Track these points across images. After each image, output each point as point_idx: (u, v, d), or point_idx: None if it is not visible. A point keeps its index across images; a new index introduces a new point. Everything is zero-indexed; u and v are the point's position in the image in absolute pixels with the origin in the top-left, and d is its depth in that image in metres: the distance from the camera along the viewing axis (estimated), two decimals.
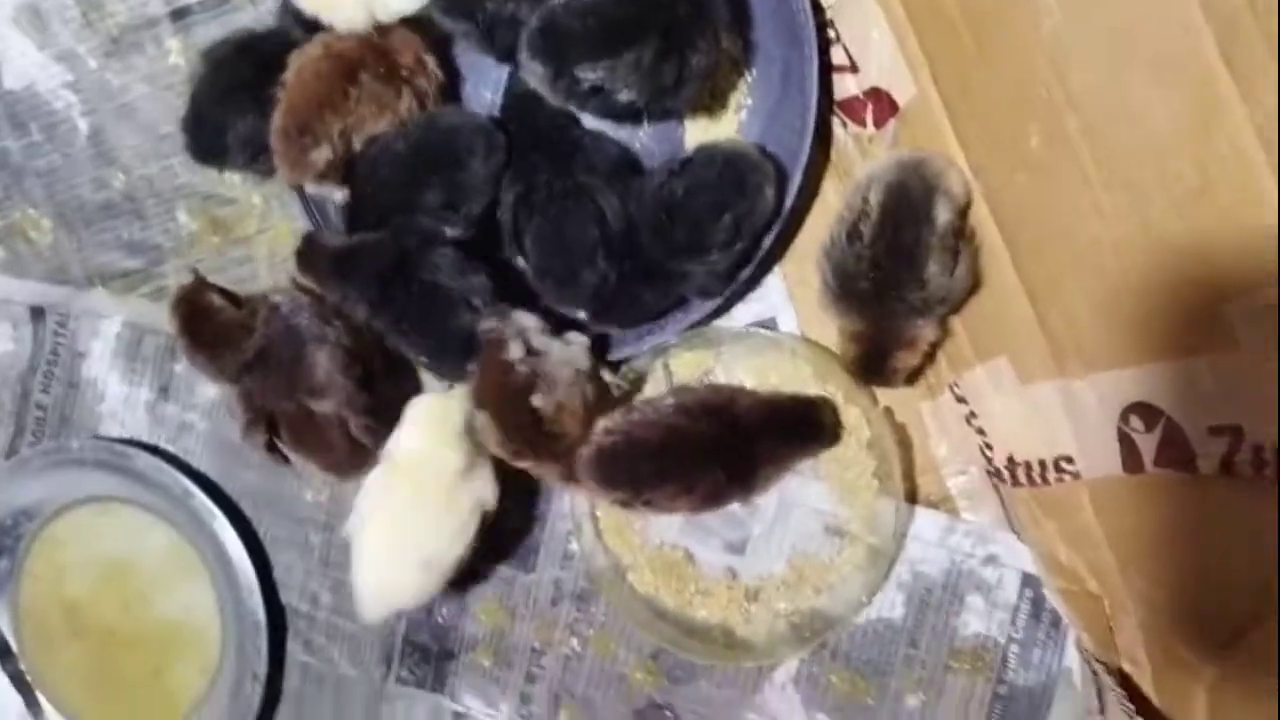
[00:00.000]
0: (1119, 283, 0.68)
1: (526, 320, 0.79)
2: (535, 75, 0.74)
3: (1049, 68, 0.67)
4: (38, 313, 1.02)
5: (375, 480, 0.83)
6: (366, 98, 0.80)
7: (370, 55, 0.81)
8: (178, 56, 0.95)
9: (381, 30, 0.83)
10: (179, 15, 0.95)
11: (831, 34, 0.85)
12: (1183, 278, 0.64)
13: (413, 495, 0.82)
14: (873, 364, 0.81)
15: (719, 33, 0.76)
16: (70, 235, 1.00)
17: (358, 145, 0.82)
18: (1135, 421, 0.71)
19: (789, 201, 0.83)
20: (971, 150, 0.76)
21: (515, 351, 0.77)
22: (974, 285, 0.78)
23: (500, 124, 0.84)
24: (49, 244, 1.01)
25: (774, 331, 0.90)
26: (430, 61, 0.83)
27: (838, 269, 0.78)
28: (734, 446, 0.78)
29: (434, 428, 0.81)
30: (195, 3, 0.94)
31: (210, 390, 0.99)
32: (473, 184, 0.81)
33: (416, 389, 0.93)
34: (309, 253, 0.85)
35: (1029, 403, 0.78)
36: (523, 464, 0.81)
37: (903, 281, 0.76)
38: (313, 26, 0.83)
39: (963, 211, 0.76)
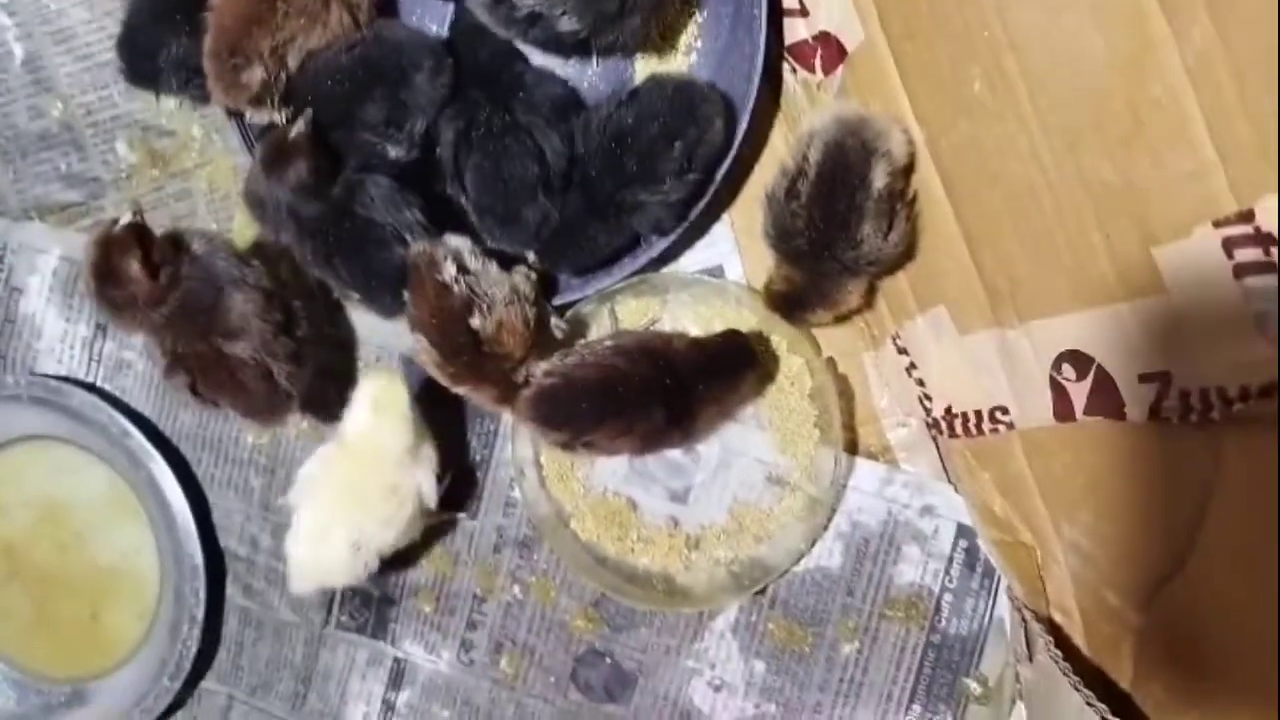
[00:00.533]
0: (1053, 228, 0.68)
1: (458, 241, 0.78)
2: (474, 1, 0.73)
3: (992, 7, 0.66)
4: None
5: (320, 455, 0.83)
6: (294, 11, 0.78)
7: None
8: None
9: None
10: None
11: None
12: (1113, 223, 0.64)
13: (353, 477, 0.82)
14: (790, 309, 0.81)
15: None
16: (6, 166, 0.98)
17: (292, 64, 0.80)
18: (1067, 370, 0.71)
19: (737, 143, 0.82)
20: (916, 98, 0.76)
21: (449, 271, 0.76)
22: (908, 250, 0.78)
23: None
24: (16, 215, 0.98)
25: (720, 279, 0.90)
26: None
27: (776, 223, 0.77)
28: (671, 388, 0.78)
29: (382, 410, 0.81)
30: None
31: None
32: (417, 102, 0.80)
33: (342, 333, 0.93)
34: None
35: (966, 353, 0.79)
36: (461, 388, 0.80)
37: (836, 241, 0.76)
38: None
39: (902, 173, 0.76)
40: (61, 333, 0.99)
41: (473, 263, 0.78)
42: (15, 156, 0.97)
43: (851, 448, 0.88)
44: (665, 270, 0.90)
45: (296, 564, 0.84)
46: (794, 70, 0.86)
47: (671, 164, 0.78)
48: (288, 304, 0.83)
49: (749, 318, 0.88)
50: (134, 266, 0.76)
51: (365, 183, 0.78)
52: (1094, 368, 0.69)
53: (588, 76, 0.88)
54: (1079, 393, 0.71)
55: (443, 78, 0.80)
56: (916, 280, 0.81)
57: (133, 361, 0.98)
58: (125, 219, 0.77)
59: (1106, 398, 0.69)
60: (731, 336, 0.83)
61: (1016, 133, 0.68)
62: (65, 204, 0.98)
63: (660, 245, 0.85)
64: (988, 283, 0.75)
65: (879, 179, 0.75)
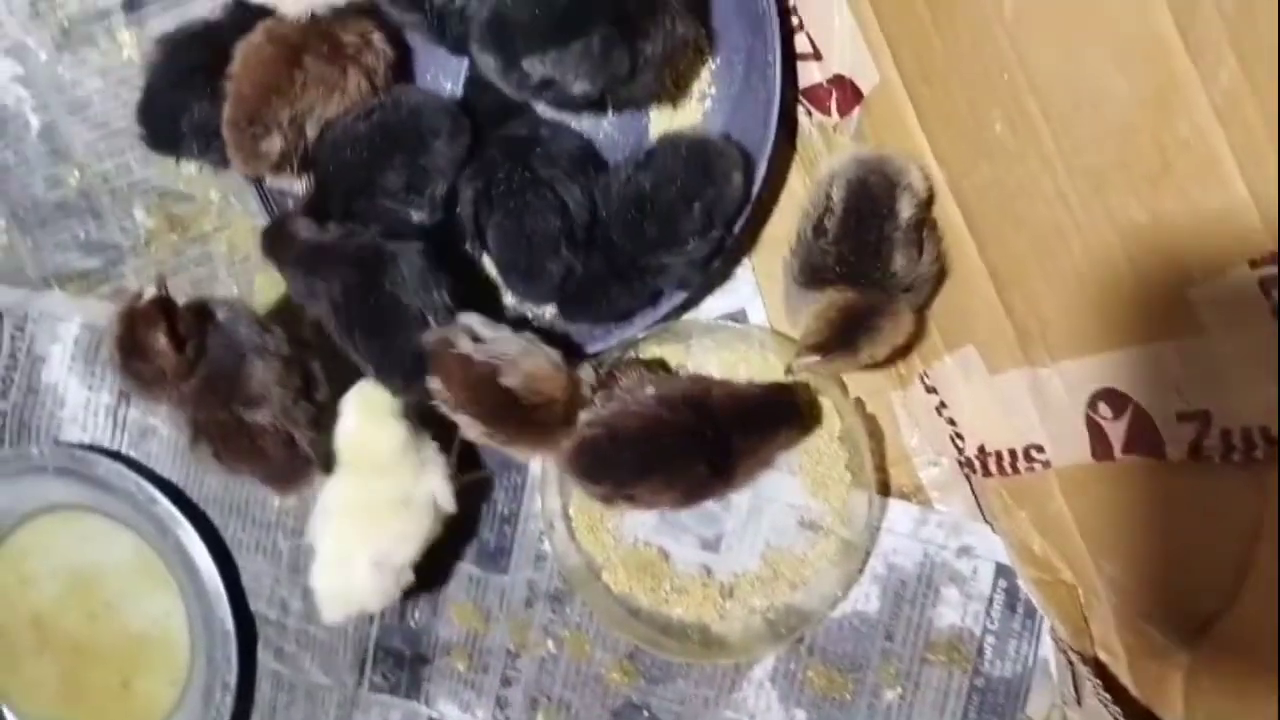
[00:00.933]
0: (1082, 269, 0.67)
1: (469, 317, 0.78)
2: (486, 68, 0.73)
3: (1011, 51, 0.66)
4: None
5: (327, 485, 0.83)
6: (313, 80, 0.79)
7: (313, 37, 0.80)
8: (131, 50, 0.93)
9: (329, 14, 0.81)
10: (132, 6, 0.93)
11: (794, 21, 0.83)
12: (1145, 262, 0.63)
13: (359, 494, 0.81)
14: (838, 341, 0.77)
15: (674, 18, 0.75)
16: (25, 235, 0.98)
17: (311, 132, 0.80)
18: (1103, 409, 0.70)
19: (756, 191, 0.82)
20: (935, 139, 0.75)
21: (465, 345, 0.76)
22: (941, 271, 0.77)
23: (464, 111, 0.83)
24: (3, 245, 0.99)
25: (744, 324, 0.89)
26: (377, 38, 0.82)
27: (805, 265, 0.77)
28: (714, 439, 0.77)
29: (366, 410, 0.81)
30: None
31: None
32: (437, 165, 0.80)
33: None
34: (277, 238, 0.82)
35: (998, 392, 0.78)
36: (524, 449, 0.81)
37: (870, 275, 0.75)
38: (264, 13, 0.81)
39: (925, 205, 0.76)
40: (85, 400, 0.99)
41: (486, 331, 0.78)
42: (34, 226, 0.98)
43: (884, 489, 0.87)
44: (688, 317, 0.89)
45: (324, 596, 0.84)
46: (809, 113, 0.85)
47: (692, 224, 0.78)
48: (308, 367, 0.82)
49: (774, 362, 0.88)
50: (160, 340, 0.76)
51: (399, 259, 0.77)
52: (1131, 406, 0.68)
53: (603, 128, 0.87)
54: (1116, 431, 0.70)
55: (461, 139, 0.80)
56: (943, 319, 0.81)
57: (157, 428, 0.98)
58: (150, 292, 0.77)
59: (1145, 437, 0.68)
60: (774, 390, 0.82)
61: (1040, 174, 0.67)
62: (85, 271, 0.98)
63: (681, 296, 0.85)
64: (1017, 322, 0.74)
65: (905, 210, 0.74)
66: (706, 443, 0.77)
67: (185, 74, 0.81)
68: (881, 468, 0.87)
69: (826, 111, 0.83)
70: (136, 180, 0.96)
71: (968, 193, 0.75)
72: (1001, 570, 0.85)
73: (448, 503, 0.84)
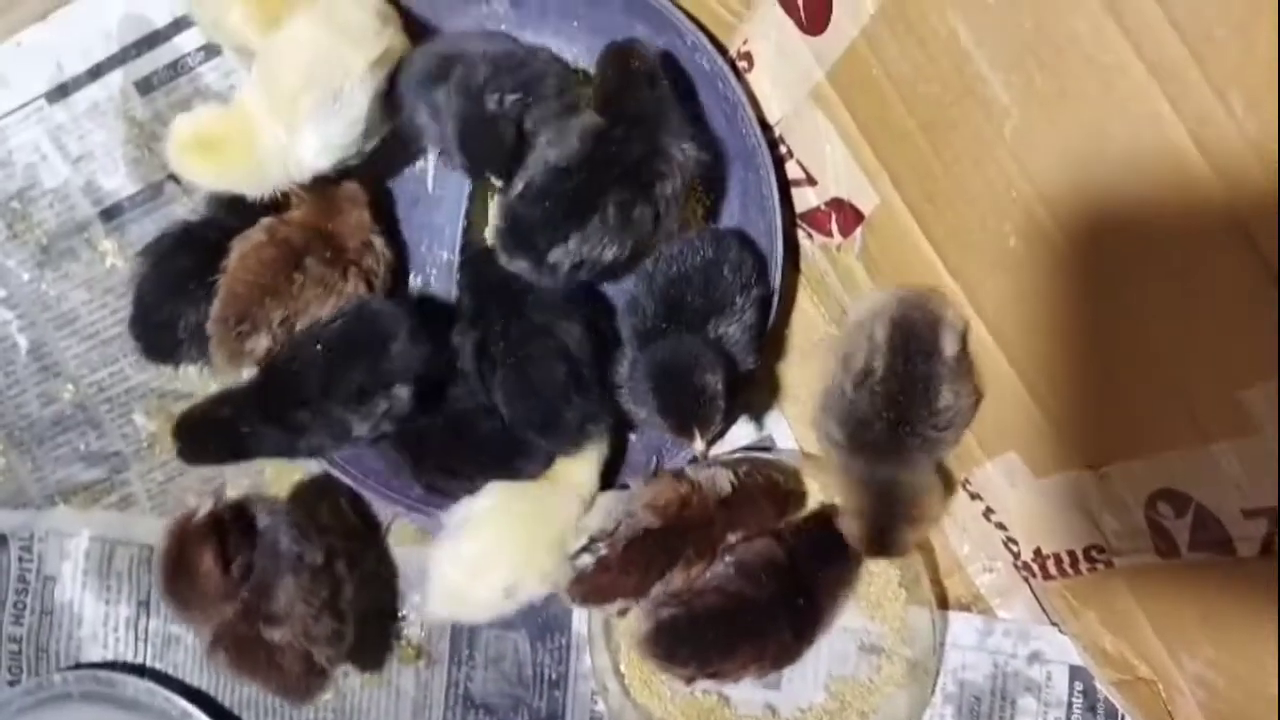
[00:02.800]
0: (1124, 376, 0.66)
1: (594, 532, 0.78)
2: (520, 271, 0.73)
3: (1016, 169, 0.65)
4: None
5: (500, 488, 0.81)
6: (311, 282, 0.78)
7: (316, 241, 0.78)
8: (114, 258, 0.92)
9: (327, 205, 0.80)
10: (110, 215, 0.91)
11: (784, 149, 0.83)
12: (1189, 366, 0.62)
13: (530, 520, 0.79)
14: (875, 542, 0.77)
15: (681, 145, 0.74)
16: (23, 456, 0.95)
17: (298, 330, 0.78)
18: (1163, 508, 0.68)
19: (771, 318, 0.81)
20: (946, 254, 0.74)
21: (601, 551, 0.77)
22: (978, 398, 0.76)
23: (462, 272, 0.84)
24: (1, 469, 0.96)
25: (773, 452, 0.87)
26: (378, 242, 0.81)
27: (848, 416, 0.74)
28: (799, 603, 0.75)
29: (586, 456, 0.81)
30: (125, 200, 0.91)
31: None
32: (393, 369, 0.77)
33: (385, 570, 0.91)
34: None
35: (1047, 496, 0.76)
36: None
37: (917, 416, 0.73)
38: (244, 210, 0.79)
39: (965, 339, 0.75)
40: (103, 616, 0.95)
41: (608, 523, 0.77)
42: (31, 445, 0.95)
43: (942, 602, 0.84)
44: (715, 451, 0.87)
45: (443, 586, 0.80)
46: (810, 236, 0.85)
47: (732, 283, 0.76)
48: (335, 573, 0.80)
49: (809, 485, 0.86)
50: (208, 561, 0.73)
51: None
52: (1193, 505, 0.66)
53: None
54: (1180, 530, 0.68)
55: (420, 346, 0.78)
56: (979, 428, 0.79)
57: (181, 636, 0.94)
58: (205, 508, 0.75)
59: (1212, 534, 0.66)
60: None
61: (1064, 283, 0.66)
62: (89, 483, 0.95)
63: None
64: (1058, 428, 0.72)
65: (949, 346, 0.73)
66: (792, 607, 0.74)
67: (174, 282, 0.79)
68: (936, 580, 0.85)
69: (828, 234, 0.83)
70: (133, 385, 0.93)
71: (987, 304, 0.74)
72: (1076, 673, 0.83)
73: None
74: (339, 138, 0.76)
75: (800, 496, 0.82)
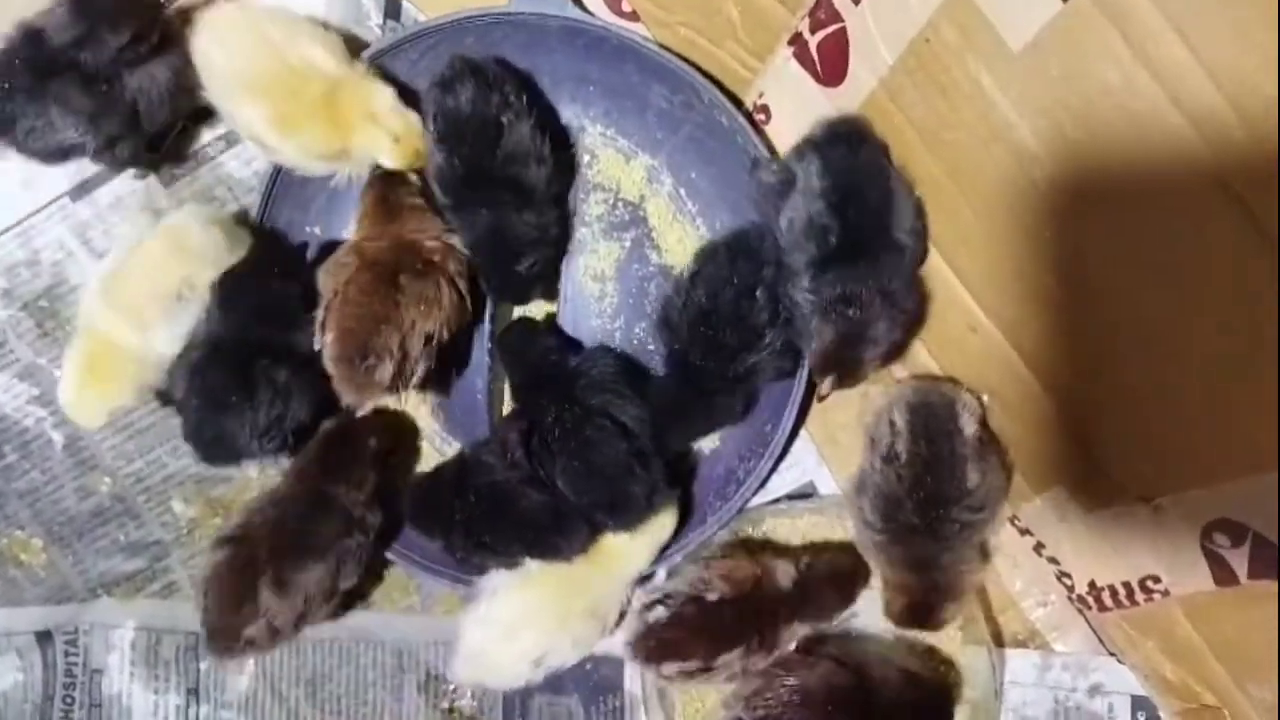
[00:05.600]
0: (1174, 408, 0.66)
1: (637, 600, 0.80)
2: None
3: (1050, 214, 0.66)
4: (44, 637, 0.96)
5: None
6: (412, 300, 0.77)
7: (404, 252, 0.78)
8: None
9: (387, 211, 0.80)
10: None
11: None
12: (1239, 396, 0.62)
13: (568, 586, 0.80)
14: (919, 618, 0.78)
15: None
16: (64, 550, 0.95)
17: (412, 350, 0.77)
18: (1220, 538, 0.68)
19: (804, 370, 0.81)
20: (982, 294, 0.74)
21: (656, 615, 0.78)
22: (1009, 480, 0.77)
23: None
24: (43, 564, 0.95)
25: (814, 498, 0.87)
26: (455, 240, 0.80)
27: (878, 498, 0.75)
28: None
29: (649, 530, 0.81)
30: None
31: (243, 682, 0.93)
32: None
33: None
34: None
35: (1100, 529, 0.76)
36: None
37: (948, 496, 0.74)
38: (260, 318, 0.80)
39: (984, 421, 0.76)
40: (152, 706, 0.94)
41: (682, 585, 0.78)
42: (72, 539, 0.94)
43: (998, 640, 0.84)
44: (758, 501, 0.87)
45: (471, 648, 0.80)
46: None
47: (763, 314, 0.76)
48: None
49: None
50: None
51: None
52: (1250, 535, 0.66)
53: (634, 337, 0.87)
54: (1238, 559, 0.68)
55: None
56: (1024, 466, 0.79)
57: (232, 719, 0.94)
58: None
59: (1271, 562, 0.65)
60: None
61: (1107, 321, 0.66)
62: (131, 573, 0.95)
63: (751, 487, 0.83)
64: (1106, 463, 0.72)
65: (968, 426, 0.75)
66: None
67: (215, 399, 0.79)
68: (991, 617, 0.84)
69: None
70: (171, 473, 0.93)
71: (1026, 342, 0.74)
72: (1139, 703, 0.82)
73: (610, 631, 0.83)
74: (186, 326, 0.81)
75: (867, 572, 0.81)
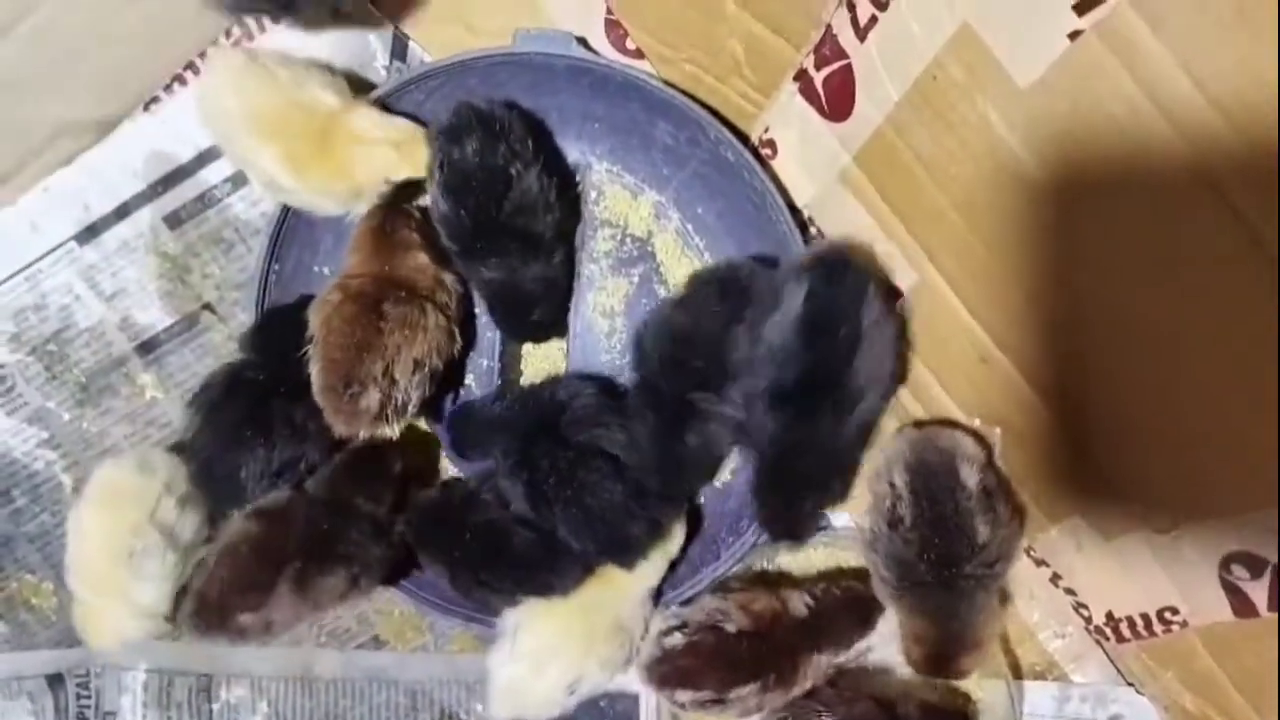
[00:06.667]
0: (1189, 444, 0.65)
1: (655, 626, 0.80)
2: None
3: (1063, 247, 0.66)
4: (55, 680, 0.95)
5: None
6: (397, 325, 0.77)
7: (388, 285, 0.78)
8: (154, 390, 0.92)
9: (382, 251, 0.80)
10: (147, 348, 0.92)
11: (814, 231, 0.84)
12: (1253, 435, 0.62)
13: (589, 605, 0.79)
14: (939, 667, 0.77)
15: None
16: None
17: (399, 377, 0.77)
18: (1238, 570, 0.67)
19: None
20: (993, 327, 0.74)
21: (672, 640, 0.78)
22: (1020, 520, 0.76)
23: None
24: (54, 607, 0.95)
25: (829, 530, 0.87)
26: (448, 278, 0.81)
27: (890, 559, 0.75)
28: None
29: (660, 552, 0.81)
30: (161, 332, 0.91)
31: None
32: None
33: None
34: None
35: (1116, 559, 0.75)
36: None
37: (959, 554, 0.73)
38: (284, 348, 0.79)
39: (987, 467, 0.76)
40: None
41: (699, 614, 0.77)
42: None
43: (1016, 672, 0.83)
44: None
45: (503, 687, 0.79)
46: None
47: (742, 352, 0.75)
48: None
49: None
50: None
51: None
52: (1269, 567, 0.66)
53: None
54: (1258, 590, 0.67)
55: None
56: (1039, 497, 0.78)
57: None
58: None
59: None
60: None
61: (1123, 350, 0.66)
62: None
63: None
64: (1123, 493, 0.71)
65: (970, 478, 0.74)
66: None
67: (230, 435, 0.79)
68: (1008, 649, 0.84)
69: None
70: None
71: (1040, 374, 0.73)
72: None
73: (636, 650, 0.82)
74: (164, 570, 0.81)
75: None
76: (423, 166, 0.79)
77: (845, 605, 0.78)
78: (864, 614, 0.79)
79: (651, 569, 0.81)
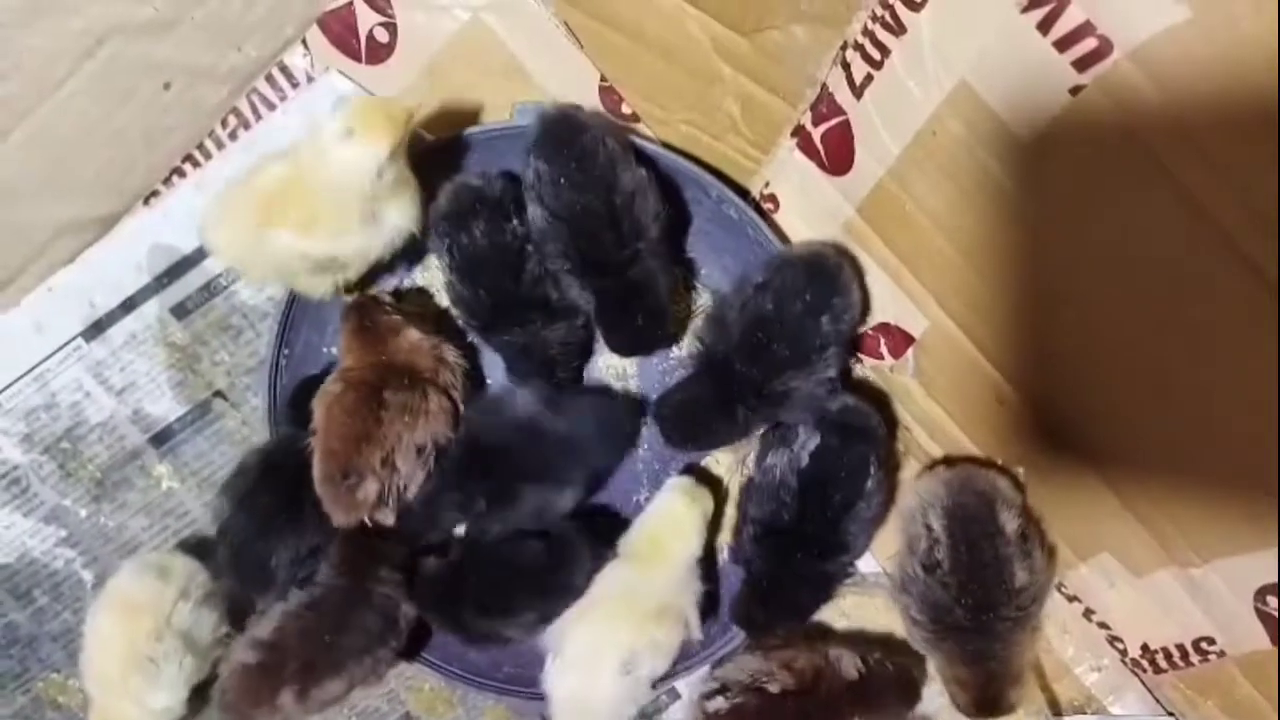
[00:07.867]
0: (1214, 478, 0.65)
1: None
2: None
3: (1070, 289, 0.66)
4: None
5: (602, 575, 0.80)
6: (396, 413, 0.76)
7: (389, 372, 0.78)
8: (170, 480, 0.91)
9: (370, 342, 0.79)
10: (161, 439, 0.91)
11: None
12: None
13: (629, 587, 0.78)
14: (985, 709, 0.77)
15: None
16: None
17: (401, 465, 0.77)
18: (1272, 601, 0.67)
19: None
20: (1006, 368, 0.74)
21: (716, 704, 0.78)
22: (1054, 562, 0.77)
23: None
24: (80, 704, 0.94)
25: (856, 577, 0.85)
26: (449, 353, 0.80)
27: (925, 603, 0.74)
28: None
29: (688, 506, 0.80)
30: (174, 422, 0.91)
31: None
32: None
33: None
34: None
35: (1149, 593, 0.75)
36: None
37: (996, 599, 0.73)
38: (306, 418, 0.79)
39: (1024, 510, 0.75)
40: None
41: (742, 675, 0.77)
42: None
43: (1055, 709, 0.83)
44: None
45: (564, 701, 0.78)
46: (859, 360, 0.85)
47: (820, 339, 0.75)
48: None
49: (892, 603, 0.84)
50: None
51: None
52: None
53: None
54: None
55: None
56: (1069, 534, 0.78)
57: None
58: None
59: None
60: None
61: (1141, 386, 0.66)
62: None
63: None
64: (1153, 529, 0.71)
65: (1010, 523, 0.73)
66: None
67: (262, 522, 0.79)
68: (1045, 686, 0.83)
69: (878, 356, 0.83)
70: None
71: (1060, 411, 0.73)
72: None
73: (696, 632, 0.79)
74: (179, 676, 0.80)
75: (925, 673, 0.81)
76: (387, 133, 0.72)
77: (897, 682, 0.78)
78: (912, 696, 0.79)
79: (691, 540, 0.79)
